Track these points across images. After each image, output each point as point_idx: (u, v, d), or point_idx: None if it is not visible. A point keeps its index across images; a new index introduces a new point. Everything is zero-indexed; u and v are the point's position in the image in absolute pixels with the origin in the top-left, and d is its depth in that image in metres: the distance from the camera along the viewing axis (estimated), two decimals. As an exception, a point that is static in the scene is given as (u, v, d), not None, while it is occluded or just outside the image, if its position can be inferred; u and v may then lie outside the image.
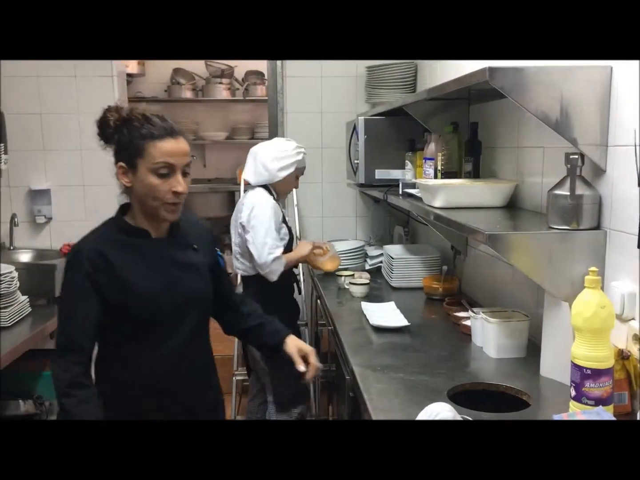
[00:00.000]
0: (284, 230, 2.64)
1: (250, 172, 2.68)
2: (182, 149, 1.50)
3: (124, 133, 1.49)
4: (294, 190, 2.91)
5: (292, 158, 2.61)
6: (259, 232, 2.53)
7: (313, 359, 1.69)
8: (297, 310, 2.83)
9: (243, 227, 2.59)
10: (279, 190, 2.68)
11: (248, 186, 2.79)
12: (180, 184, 1.49)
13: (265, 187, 2.65)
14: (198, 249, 1.64)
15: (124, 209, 1.59)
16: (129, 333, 1.54)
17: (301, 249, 2.73)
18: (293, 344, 1.73)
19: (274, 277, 2.56)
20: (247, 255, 2.61)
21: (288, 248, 2.66)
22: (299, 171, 2.70)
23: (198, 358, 1.64)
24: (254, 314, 1.82)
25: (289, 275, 2.74)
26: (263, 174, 2.63)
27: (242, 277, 2.73)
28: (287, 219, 2.71)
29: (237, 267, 2.72)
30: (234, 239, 2.71)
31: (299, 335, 2.82)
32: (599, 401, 1.32)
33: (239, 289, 2.74)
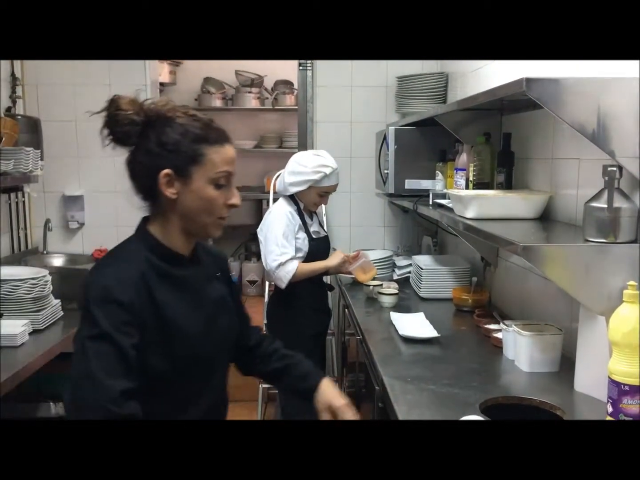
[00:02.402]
0: (302, 241, 2.60)
1: (278, 180, 2.72)
2: (235, 157, 1.31)
3: (165, 133, 1.23)
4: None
5: (306, 176, 2.54)
6: (267, 240, 2.56)
7: (348, 416, 1.41)
8: (323, 322, 2.79)
9: (259, 237, 2.65)
10: (302, 202, 2.66)
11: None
12: (236, 195, 1.31)
13: (291, 196, 2.65)
14: (220, 278, 1.43)
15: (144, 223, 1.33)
16: (155, 388, 1.23)
17: (329, 259, 2.68)
18: (325, 399, 1.44)
19: (281, 284, 2.55)
20: None
21: (310, 258, 2.63)
22: (320, 190, 2.59)
23: (223, 411, 1.44)
24: (276, 354, 1.54)
25: (316, 286, 2.72)
26: (280, 184, 2.66)
27: (274, 285, 2.74)
28: (312, 229, 2.67)
29: (265, 275, 2.75)
30: None
31: (323, 345, 2.79)
32: (636, 418, 1.29)
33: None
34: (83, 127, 3.52)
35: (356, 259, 2.71)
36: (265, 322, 2.85)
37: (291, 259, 2.53)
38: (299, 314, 2.66)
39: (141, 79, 3.51)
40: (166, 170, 1.23)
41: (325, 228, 2.86)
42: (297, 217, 2.61)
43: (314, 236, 2.66)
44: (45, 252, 3.52)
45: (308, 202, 2.65)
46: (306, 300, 2.67)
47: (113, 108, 1.23)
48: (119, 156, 3.49)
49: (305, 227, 2.63)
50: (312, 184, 2.56)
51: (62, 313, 2.73)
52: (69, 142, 3.53)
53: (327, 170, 2.57)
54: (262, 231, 2.63)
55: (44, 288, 2.59)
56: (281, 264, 2.50)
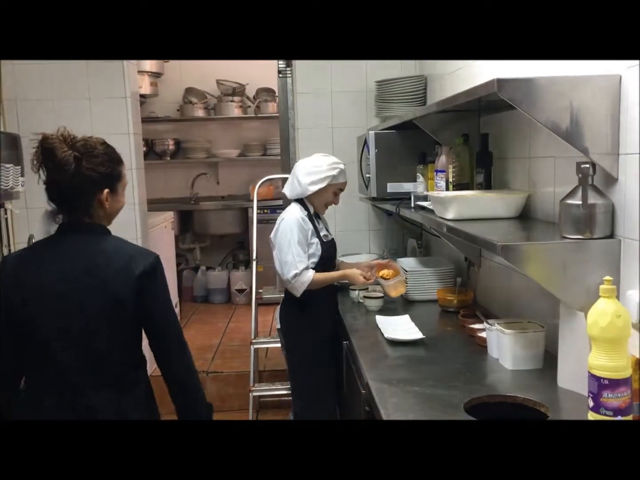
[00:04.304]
0: (317, 246, 2.60)
1: (287, 186, 2.70)
2: None
3: (101, 162, 1.57)
4: None
5: (324, 173, 2.59)
6: (281, 249, 2.55)
7: None
8: (335, 327, 2.71)
9: (272, 243, 2.63)
10: (315, 204, 2.67)
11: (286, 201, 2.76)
12: None
13: (301, 202, 2.65)
14: None
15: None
16: None
17: (348, 273, 2.62)
18: None
19: (296, 294, 2.55)
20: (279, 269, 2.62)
21: (323, 264, 2.62)
22: (336, 187, 2.65)
23: None
24: None
25: (329, 291, 2.69)
26: (296, 188, 2.64)
27: (285, 291, 2.73)
28: (322, 234, 2.66)
29: (278, 281, 2.71)
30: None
31: (335, 351, 2.66)
32: (617, 412, 1.30)
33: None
34: (64, 142, 3.51)
35: (392, 275, 2.62)
36: (278, 327, 2.81)
37: (306, 268, 2.53)
38: (315, 319, 2.64)
39: (121, 92, 3.50)
40: (107, 190, 1.61)
41: (330, 231, 2.83)
42: (309, 223, 2.61)
43: (324, 240, 2.66)
44: (29, 268, 3.49)
45: (321, 203, 2.67)
46: (322, 305, 2.66)
47: (46, 148, 1.55)
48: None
49: (317, 231, 2.63)
50: (330, 180, 2.60)
51: (47, 329, 2.70)
52: (50, 157, 3.52)
53: (342, 166, 2.64)
54: (275, 238, 2.61)
55: (28, 304, 2.57)
56: (297, 275, 2.51)
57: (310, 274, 2.53)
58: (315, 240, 2.61)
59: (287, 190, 2.69)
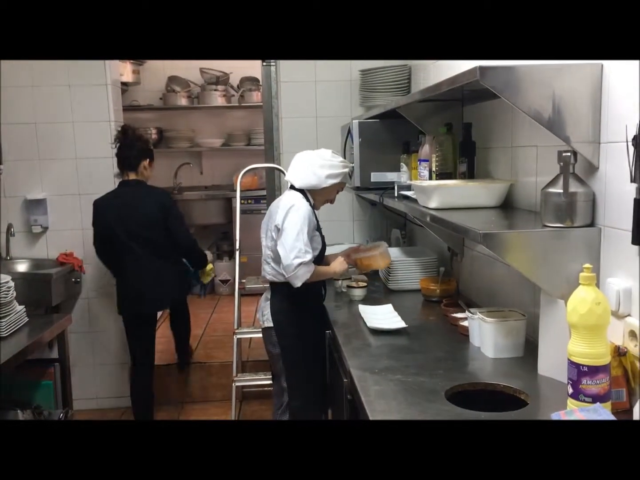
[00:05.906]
0: (317, 239, 2.54)
1: (295, 175, 2.55)
2: None
3: (145, 141, 3.27)
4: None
5: (340, 169, 2.53)
6: (290, 234, 2.40)
7: None
8: (324, 320, 2.64)
9: (278, 229, 2.47)
10: (316, 199, 2.59)
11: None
12: None
13: (302, 192, 2.55)
14: None
15: None
16: None
17: (335, 267, 2.58)
18: None
19: (297, 283, 2.40)
20: (279, 259, 2.46)
21: (320, 257, 2.57)
22: (340, 186, 2.60)
23: None
24: None
25: (318, 284, 2.62)
26: (310, 179, 2.52)
27: (271, 283, 2.62)
28: (321, 228, 2.61)
29: (267, 271, 2.58)
30: (266, 243, 2.58)
31: (324, 343, 2.57)
32: (596, 398, 1.31)
33: (267, 295, 2.66)
34: (43, 130, 3.46)
35: (374, 248, 2.63)
36: (265, 325, 2.64)
37: (311, 260, 2.42)
38: (309, 314, 2.58)
39: (101, 79, 3.45)
40: (148, 159, 3.23)
41: None
42: (314, 216, 2.54)
43: (322, 234, 2.61)
44: (8, 257, 3.45)
45: (323, 198, 2.60)
46: (314, 299, 2.62)
47: (125, 130, 3.20)
48: (81, 158, 3.56)
49: (318, 225, 2.57)
50: (343, 177, 2.56)
51: (27, 319, 2.69)
52: (30, 145, 3.46)
53: (351, 166, 2.62)
54: (283, 224, 2.44)
55: (7, 294, 2.55)
56: (303, 263, 2.37)
57: (313, 266, 2.43)
58: (317, 233, 2.54)
59: (298, 180, 2.54)
